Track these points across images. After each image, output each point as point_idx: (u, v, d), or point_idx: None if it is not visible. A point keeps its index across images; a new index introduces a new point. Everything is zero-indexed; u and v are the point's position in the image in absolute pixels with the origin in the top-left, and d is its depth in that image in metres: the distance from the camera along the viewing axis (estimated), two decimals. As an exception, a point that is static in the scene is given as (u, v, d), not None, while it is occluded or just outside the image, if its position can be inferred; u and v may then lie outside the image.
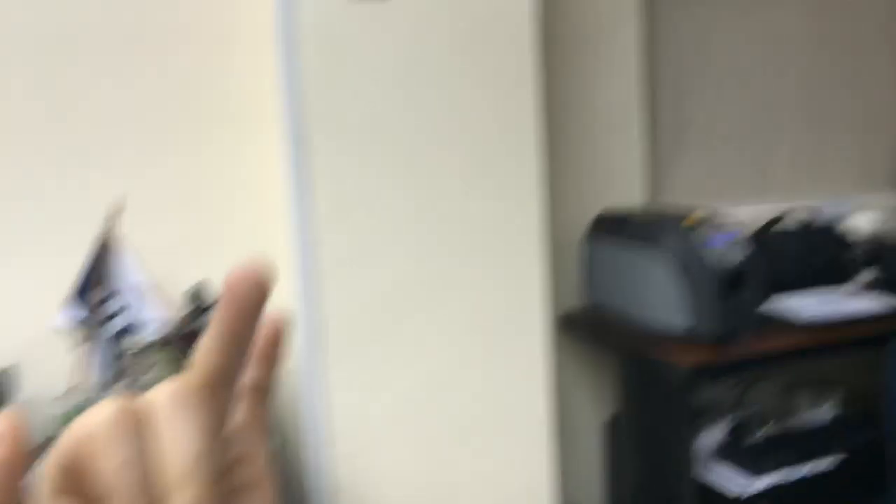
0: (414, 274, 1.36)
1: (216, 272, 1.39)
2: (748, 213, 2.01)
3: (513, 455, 1.46)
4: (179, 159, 1.44)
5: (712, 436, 1.60)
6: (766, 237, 1.81)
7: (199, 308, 1.35)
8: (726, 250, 1.39)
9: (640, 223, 1.51)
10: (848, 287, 1.77)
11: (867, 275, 1.88)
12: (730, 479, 1.49)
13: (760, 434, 1.63)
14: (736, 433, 1.62)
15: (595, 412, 1.89)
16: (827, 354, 1.47)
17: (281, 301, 1.38)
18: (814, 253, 1.78)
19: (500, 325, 1.45)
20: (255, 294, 0.23)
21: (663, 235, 1.44)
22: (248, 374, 0.26)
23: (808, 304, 1.58)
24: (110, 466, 0.22)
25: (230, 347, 0.24)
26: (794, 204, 2.09)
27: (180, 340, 1.30)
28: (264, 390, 0.27)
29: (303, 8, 1.23)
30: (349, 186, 1.28)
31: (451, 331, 1.41)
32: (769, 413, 1.78)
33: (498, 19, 1.38)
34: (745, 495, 1.45)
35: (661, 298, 1.45)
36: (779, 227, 1.89)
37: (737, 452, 1.54)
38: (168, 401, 0.23)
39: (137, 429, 0.23)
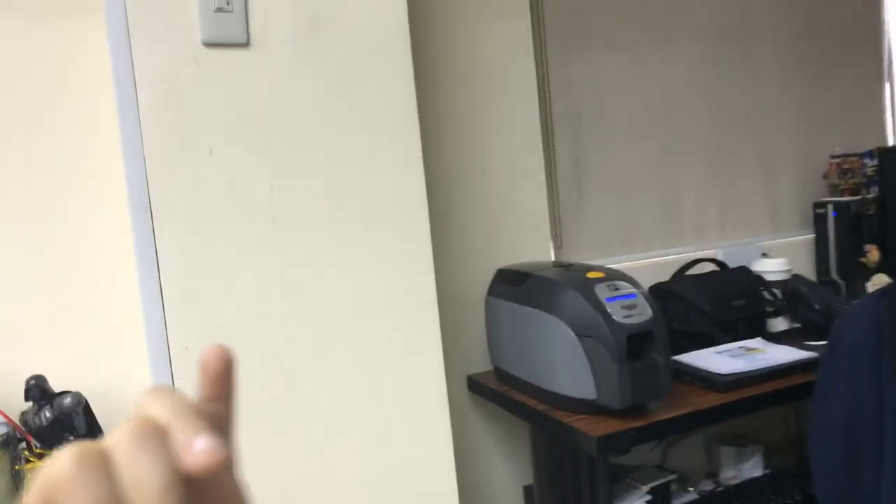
0: (285, 343, 1.23)
1: (57, 362, 1.23)
2: (656, 263, 1.95)
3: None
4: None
5: (631, 505, 1.49)
6: (681, 284, 1.75)
7: (44, 402, 1.18)
8: (628, 312, 1.30)
9: (537, 282, 1.42)
10: (763, 335, 1.71)
11: (782, 322, 1.83)
12: (649, 554, 1.38)
13: (680, 501, 1.53)
14: (657, 501, 1.51)
15: (514, 478, 1.77)
16: (747, 411, 1.38)
17: (136, 386, 1.23)
18: (731, 298, 1.72)
19: (394, 392, 1.32)
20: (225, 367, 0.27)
21: (559, 297, 1.34)
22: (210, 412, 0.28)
23: (724, 360, 1.50)
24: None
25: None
26: (704, 251, 2.05)
27: (31, 437, 1.12)
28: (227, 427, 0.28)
29: (142, 61, 1.11)
30: (199, 263, 1.15)
31: (333, 404, 1.27)
32: (693, 474, 1.69)
33: (374, 62, 1.29)
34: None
35: (561, 365, 1.35)
36: (690, 272, 1.82)
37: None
38: (127, 438, 0.24)
39: (101, 468, 0.23)
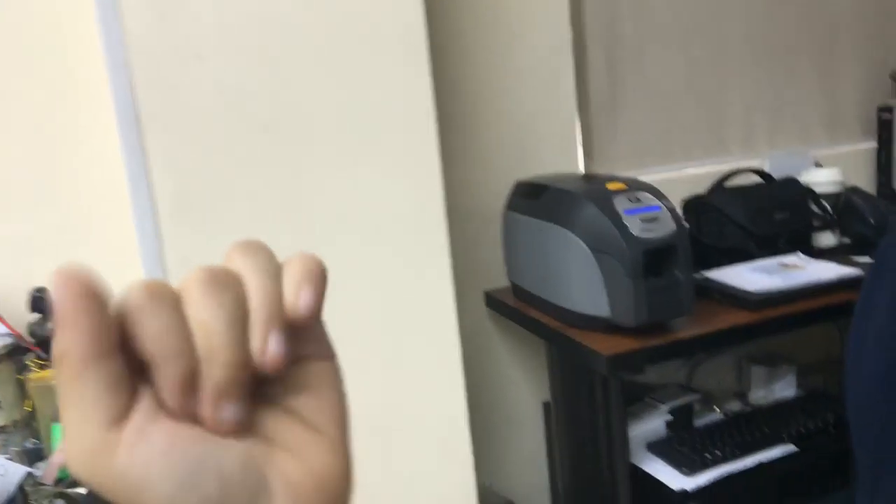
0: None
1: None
2: (696, 175, 1.82)
3: (429, 446, 1.33)
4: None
5: (651, 423, 1.45)
6: (719, 196, 1.63)
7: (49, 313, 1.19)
8: (648, 226, 1.21)
9: (553, 194, 1.33)
10: (809, 251, 1.59)
11: (829, 237, 1.70)
12: (666, 473, 1.34)
13: (704, 421, 1.48)
14: (678, 421, 1.46)
15: (533, 394, 1.75)
16: (775, 332, 1.30)
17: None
18: (773, 211, 1.59)
19: (403, 309, 1.29)
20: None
21: (575, 210, 1.26)
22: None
23: (758, 277, 1.40)
24: (149, 333, 0.23)
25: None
26: (751, 162, 1.91)
27: (37, 348, 1.15)
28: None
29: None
30: (193, 175, 1.11)
31: (347, 318, 1.25)
32: (720, 394, 1.63)
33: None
34: (682, 490, 1.30)
35: (575, 282, 1.28)
36: (734, 184, 1.69)
37: (675, 443, 1.39)
38: (194, 281, 0.24)
39: (170, 301, 0.23)
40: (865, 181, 2.02)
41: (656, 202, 1.25)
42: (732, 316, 1.30)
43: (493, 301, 1.62)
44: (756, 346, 1.71)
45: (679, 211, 1.67)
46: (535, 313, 1.42)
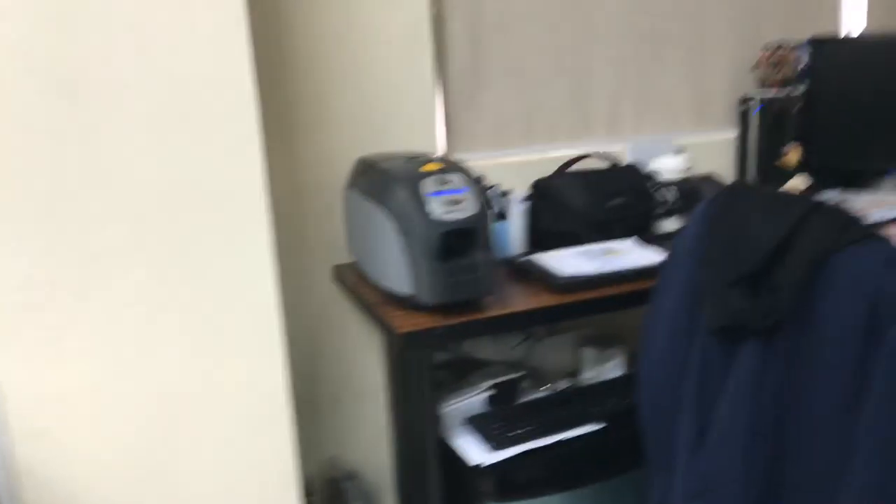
0: (95, 238, 1.19)
1: None
2: (557, 158, 1.85)
3: (241, 428, 1.35)
4: None
5: (474, 399, 1.49)
6: (559, 180, 1.66)
7: None
8: (450, 208, 1.23)
9: (375, 174, 1.35)
10: (648, 237, 1.64)
11: (673, 223, 1.75)
12: (474, 448, 1.39)
13: (529, 398, 1.53)
14: (501, 396, 1.51)
15: (381, 368, 1.78)
16: (578, 315, 1.34)
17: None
18: (611, 197, 1.63)
19: (217, 285, 1.29)
20: None
21: (388, 190, 1.28)
22: None
23: (577, 261, 1.45)
24: None
25: None
26: (615, 146, 1.95)
27: None
28: None
29: None
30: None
31: (151, 296, 1.25)
32: (554, 374, 1.68)
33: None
34: (487, 464, 1.35)
35: (389, 261, 1.30)
36: (578, 168, 1.73)
37: (490, 419, 1.44)
38: None
39: None
40: (729, 169, 2.09)
41: (464, 184, 1.27)
42: (539, 298, 1.34)
43: (339, 276, 1.64)
44: (594, 327, 1.77)
45: (527, 193, 1.71)
46: (363, 290, 1.45)
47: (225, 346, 1.31)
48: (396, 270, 1.28)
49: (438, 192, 1.24)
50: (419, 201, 1.22)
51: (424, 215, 1.21)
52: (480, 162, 1.84)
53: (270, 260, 1.32)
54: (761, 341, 1.02)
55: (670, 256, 1.24)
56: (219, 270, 1.29)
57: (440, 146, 1.79)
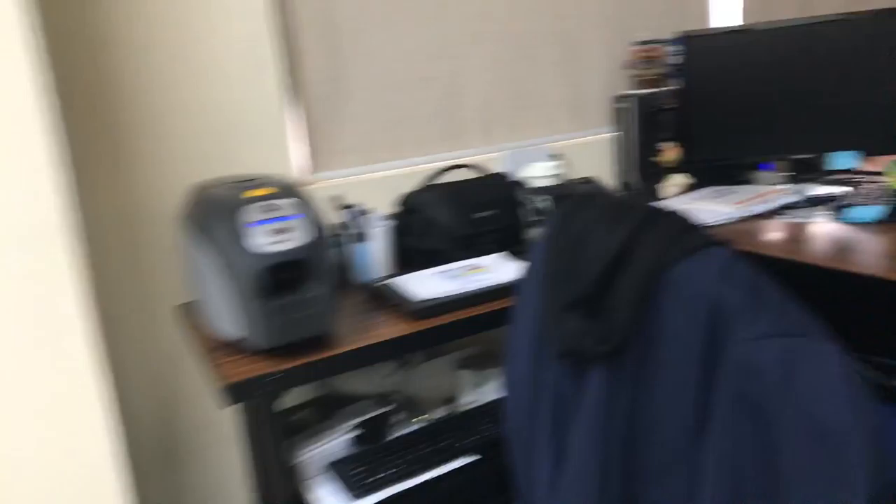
0: None
1: None
2: (427, 171, 1.75)
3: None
4: None
5: (337, 441, 1.36)
6: (423, 195, 1.55)
7: None
8: (276, 238, 1.10)
9: (202, 203, 1.20)
10: (517, 251, 1.55)
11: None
12: (331, 499, 1.26)
13: (400, 433, 1.41)
14: (368, 435, 1.39)
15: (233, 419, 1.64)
16: (435, 342, 1.23)
17: None
18: (476, 209, 1.53)
19: (14, 337, 1.13)
20: None
21: (209, 221, 1.14)
22: None
23: (436, 282, 1.34)
24: None
25: None
26: (489, 154, 1.86)
27: None
28: None
29: None
30: None
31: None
32: (431, 401, 1.57)
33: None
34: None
35: (219, 302, 1.16)
36: (444, 180, 1.63)
37: (351, 463, 1.31)
38: None
39: None
40: (608, 171, 2.03)
41: (297, 210, 1.14)
42: (394, 327, 1.22)
43: (180, 317, 1.48)
44: (472, 347, 1.67)
45: (394, 210, 1.59)
46: (200, 332, 1.30)
47: (37, 407, 1.15)
48: (226, 311, 1.15)
49: (262, 221, 1.11)
50: (237, 233, 1.09)
51: (242, 249, 1.08)
52: (349, 178, 1.72)
53: (85, 309, 1.17)
54: (606, 367, 0.94)
55: (523, 274, 1.14)
56: (21, 322, 1.13)
57: (298, 166, 1.66)
